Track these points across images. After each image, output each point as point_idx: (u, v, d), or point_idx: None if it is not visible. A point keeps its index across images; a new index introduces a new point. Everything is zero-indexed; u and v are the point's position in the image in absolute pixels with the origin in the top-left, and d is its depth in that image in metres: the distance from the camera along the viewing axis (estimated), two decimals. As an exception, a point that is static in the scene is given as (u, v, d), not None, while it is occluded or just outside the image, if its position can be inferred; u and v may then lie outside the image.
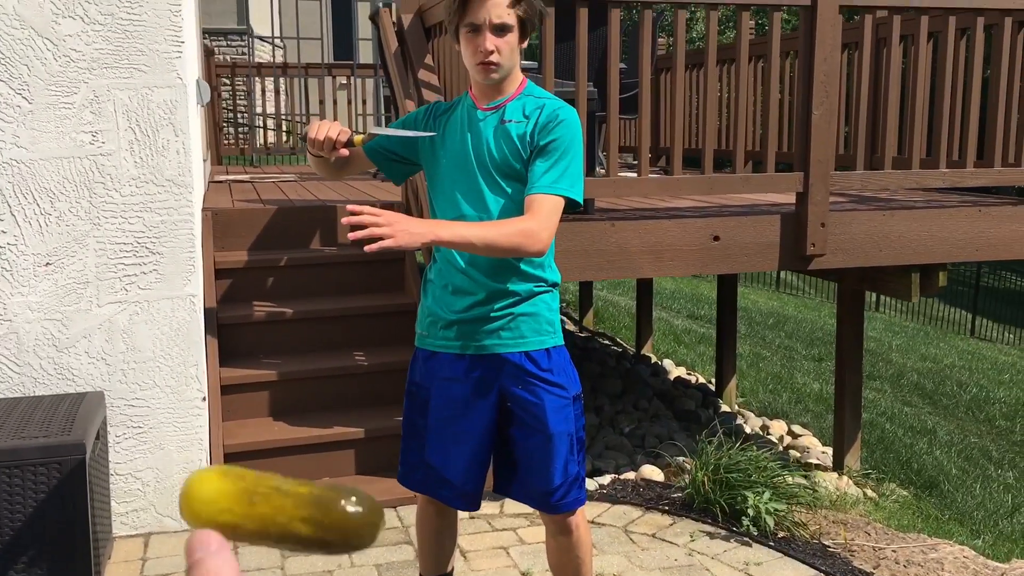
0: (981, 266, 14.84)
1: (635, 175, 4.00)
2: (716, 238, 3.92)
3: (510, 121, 2.19)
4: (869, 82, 4.21)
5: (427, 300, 2.33)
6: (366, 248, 1.88)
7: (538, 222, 2.06)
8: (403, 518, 3.59)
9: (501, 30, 2.11)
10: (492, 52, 2.11)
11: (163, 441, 3.47)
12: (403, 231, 1.92)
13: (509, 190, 2.19)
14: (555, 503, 2.26)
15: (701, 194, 4.05)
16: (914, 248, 4.12)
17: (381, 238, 1.89)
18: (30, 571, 2.77)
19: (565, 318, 8.65)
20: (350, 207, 1.89)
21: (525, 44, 2.21)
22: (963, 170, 4.16)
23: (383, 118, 10.60)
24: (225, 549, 0.70)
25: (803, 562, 3.23)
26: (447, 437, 2.27)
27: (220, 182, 6.39)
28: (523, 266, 2.20)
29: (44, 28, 3.22)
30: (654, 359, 7.31)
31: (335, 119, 8.86)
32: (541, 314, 2.25)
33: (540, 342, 2.23)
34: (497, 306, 2.20)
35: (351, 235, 1.89)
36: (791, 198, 4.13)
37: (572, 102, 3.51)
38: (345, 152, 2.18)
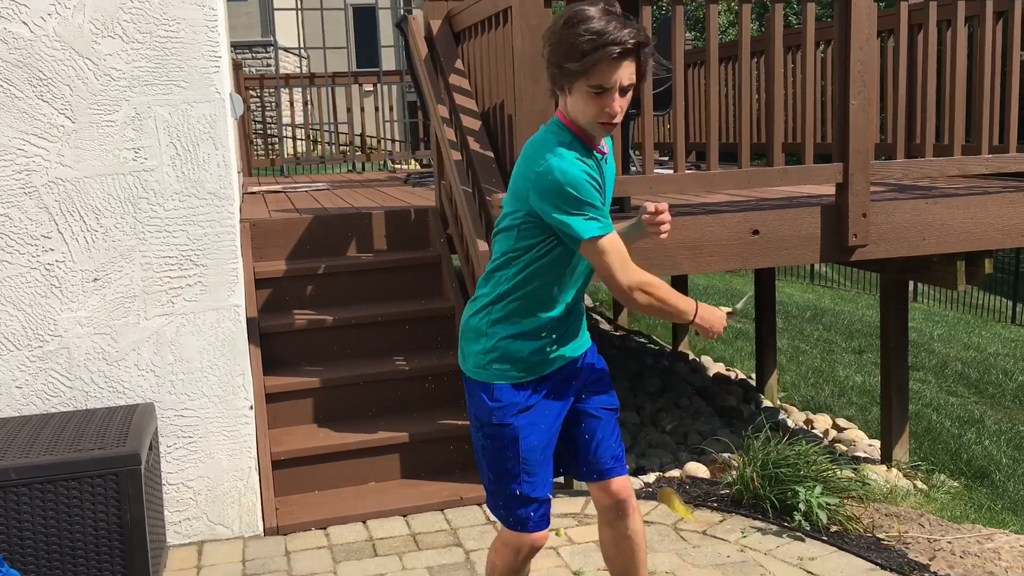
0: (1021, 251, 14.58)
1: (669, 171, 3.98)
2: (756, 232, 3.90)
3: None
4: (905, 68, 4.15)
5: (528, 344, 2.26)
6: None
7: None
8: (451, 520, 3.60)
9: (626, 91, 2.08)
10: (618, 114, 2.08)
11: (213, 450, 3.50)
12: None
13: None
14: (623, 463, 2.39)
15: (738, 188, 4.02)
16: (958, 236, 4.06)
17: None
18: (90, 582, 2.81)
19: (599, 317, 8.63)
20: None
21: None
22: (1006, 155, 4.10)
23: (408, 124, 10.61)
24: None
25: (858, 555, 3.19)
26: (548, 456, 2.30)
27: (254, 193, 6.45)
28: None
29: (84, 48, 3.26)
30: (692, 356, 7.27)
31: (363, 126, 8.92)
32: None
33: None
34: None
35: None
36: (830, 189, 4.10)
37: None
38: None
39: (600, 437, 2.36)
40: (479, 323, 2.27)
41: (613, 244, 2.08)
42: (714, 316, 2.18)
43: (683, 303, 2.15)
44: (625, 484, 2.38)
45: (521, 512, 2.27)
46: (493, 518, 3.61)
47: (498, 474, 2.27)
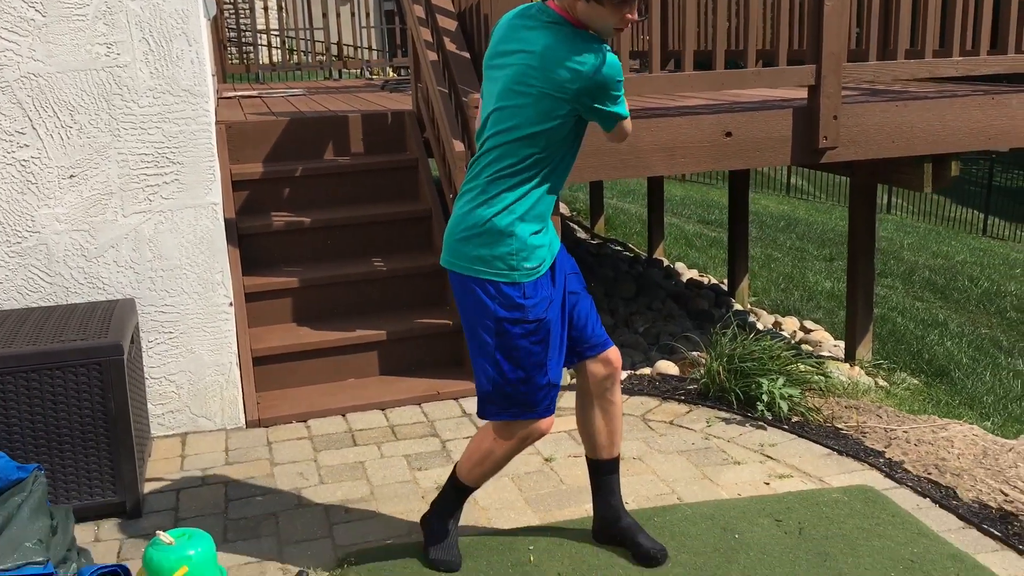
0: (994, 164, 14.71)
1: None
2: (728, 134, 3.94)
3: None
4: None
5: (545, 237, 2.35)
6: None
7: None
8: (428, 413, 3.72)
9: None
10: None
11: (194, 345, 3.58)
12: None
13: None
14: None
15: (712, 90, 4.05)
16: (926, 138, 4.13)
17: None
18: (77, 467, 2.91)
19: (576, 226, 8.70)
20: None
21: None
22: (976, 58, 4.14)
23: (385, 31, 10.43)
24: None
25: (816, 442, 3.35)
26: (565, 341, 2.41)
27: (229, 98, 6.38)
28: None
29: (52, -62, 3.20)
30: (666, 262, 7.38)
31: (339, 34, 8.77)
32: None
33: None
34: None
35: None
36: (802, 93, 4.13)
37: None
38: None
39: (592, 314, 2.49)
40: (503, 224, 2.24)
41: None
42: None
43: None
44: (617, 353, 2.52)
45: (547, 400, 2.38)
46: (469, 410, 3.74)
47: (530, 369, 2.31)
